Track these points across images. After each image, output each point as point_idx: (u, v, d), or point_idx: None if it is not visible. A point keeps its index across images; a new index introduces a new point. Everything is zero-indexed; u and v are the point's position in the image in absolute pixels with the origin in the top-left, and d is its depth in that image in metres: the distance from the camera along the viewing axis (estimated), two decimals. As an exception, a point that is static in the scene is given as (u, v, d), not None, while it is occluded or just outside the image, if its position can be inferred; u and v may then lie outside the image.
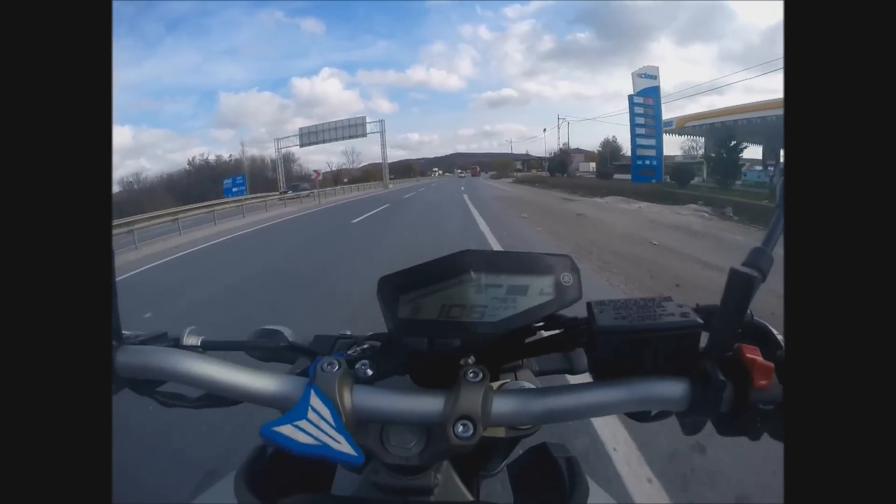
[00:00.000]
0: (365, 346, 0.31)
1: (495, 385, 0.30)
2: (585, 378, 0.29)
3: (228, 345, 0.34)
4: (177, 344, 0.33)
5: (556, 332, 0.30)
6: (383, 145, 43.45)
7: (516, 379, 0.32)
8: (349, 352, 0.31)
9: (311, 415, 0.26)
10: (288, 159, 57.53)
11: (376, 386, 0.29)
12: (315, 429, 0.26)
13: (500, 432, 0.29)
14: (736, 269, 0.27)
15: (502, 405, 0.27)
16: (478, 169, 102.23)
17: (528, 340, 0.30)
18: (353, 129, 39.51)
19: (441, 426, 0.27)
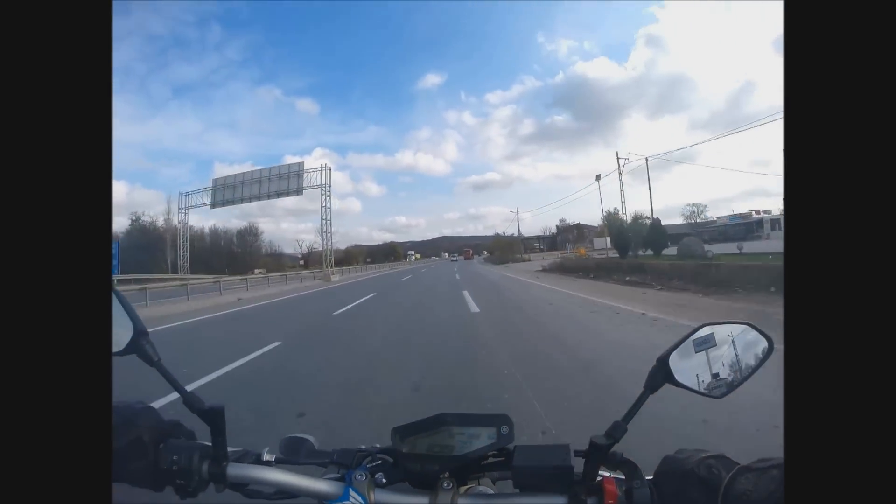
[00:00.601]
0: (378, 460, 0.48)
1: (462, 489, 0.46)
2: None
3: (292, 460, 0.50)
4: (258, 459, 0.49)
5: (502, 459, 0.47)
6: (324, 205, 30.19)
7: (479, 485, 0.48)
8: (368, 464, 0.47)
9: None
10: (249, 233, 47.23)
11: (388, 489, 0.46)
12: None
13: None
14: (593, 440, 0.44)
15: (463, 502, 0.44)
16: (470, 252, 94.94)
17: (483, 462, 0.47)
18: (284, 181, 28.64)
19: None
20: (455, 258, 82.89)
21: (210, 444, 0.47)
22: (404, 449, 0.45)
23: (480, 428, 0.45)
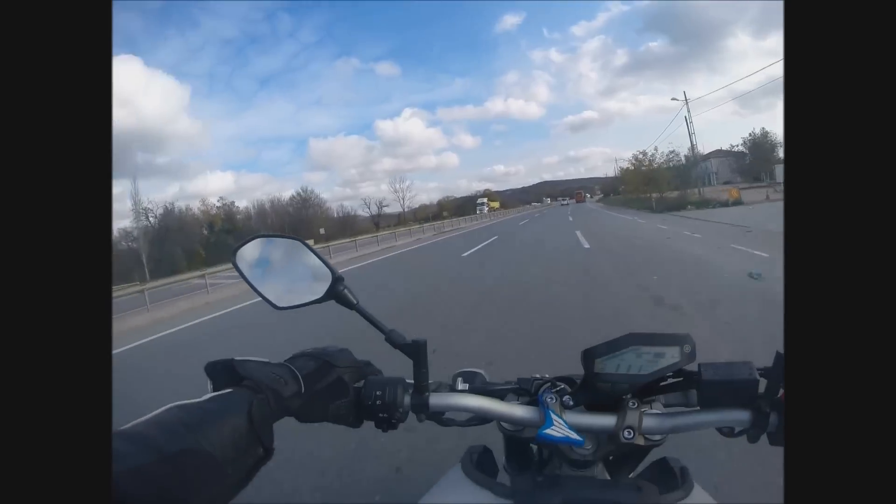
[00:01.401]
0: (559, 385, 0.49)
1: (643, 411, 0.47)
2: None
3: (483, 389, 0.52)
4: (452, 389, 0.51)
5: (681, 379, 0.47)
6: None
7: (651, 408, 0.48)
8: (555, 389, 0.49)
9: (555, 425, 0.46)
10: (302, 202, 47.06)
11: (575, 410, 0.48)
12: (559, 431, 0.46)
13: (641, 441, 0.46)
14: (779, 354, 0.41)
15: (648, 421, 0.46)
16: (582, 194, 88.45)
17: (662, 384, 0.47)
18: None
19: (613, 434, 0.46)
20: (566, 202, 78.60)
21: (405, 378, 0.50)
22: (595, 370, 0.45)
23: (665, 347, 0.44)
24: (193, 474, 0.34)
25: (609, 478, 0.52)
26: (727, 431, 0.46)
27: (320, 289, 0.50)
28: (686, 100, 28.81)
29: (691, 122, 28.54)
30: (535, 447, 0.54)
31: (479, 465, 0.52)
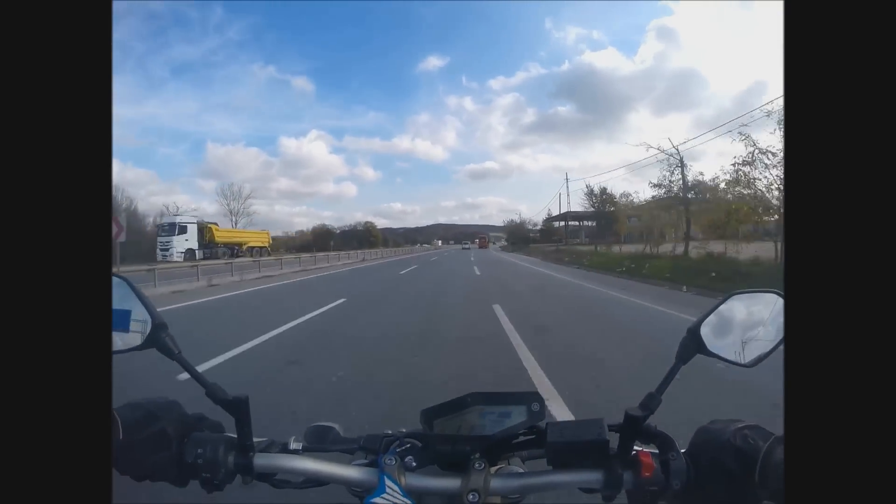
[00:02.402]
0: (407, 444, 0.47)
1: (493, 469, 0.45)
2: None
3: (319, 448, 0.49)
4: (285, 448, 0.49)
5: (532, 437, 0.46)
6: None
7: (509, 465, 0.47)
8: (396, 449, 0.46)
9: (387, 492, 0.43)
10: None
11: (418, 473, 0.45)
12: (391, 498, 0.43)
13: (497, 500, 0.44)
14: (628, 412, 0.43)
15: (496, 482, 0.43)
16: (486, 239, 79.82)
17: (514, 441, 0.46)
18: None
19: (459, 497, 0.43)
20: (468, 245, 72.57)
21: (235, 436, 0.46)
22: (434, 430, 0.44)
23: (510, 406, 0.44)
24: None
25: None
26: (587, 489, 0.44)
27: (139, 336, 0.46)
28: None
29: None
30: None
31: None
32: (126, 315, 0.46)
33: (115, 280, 0.46)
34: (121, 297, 0.46)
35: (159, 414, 0.45)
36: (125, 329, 0.46)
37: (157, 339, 0.46)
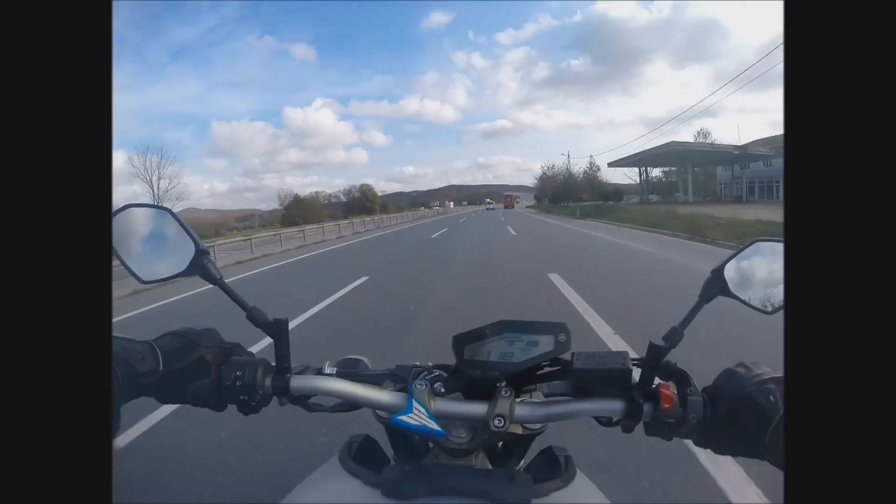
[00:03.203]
0: (435, 372, 0.48)
1: (518, 399, 0.45)
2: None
3: (352, 373, 0.50)
4: (319, 372, 0.50)
5: (556, 368, 0.47)
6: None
7: (531, 397, 0.48)
8: (426, 377, 0.48)
9: (414, 412, 0.45)
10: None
11: (446, 398, 0.46)
12: (417, 419, 0.45)
13: (519, 430, 0.45)
14: (652, 342, 0.43)
15: (520, 409, 0.45)
16: (512, 198, 69.48)
17: (539, 373, 0.47)
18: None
19: (484, 422, 0.44)
20: (492, 206, 62.70)
21: (271, 361, 0.47)
22: (465, 356, 0.44)
23: (539, 335, 0.44)
24: None
25: (490, 467, 0.50)
26: (605, 421, 0.46)
27: (185, 262, 0.47)
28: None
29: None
30: (417, 436, 0.52)
31: (363, 455, 0.50)
32: (170, 243, 0.48)
33: (157, 211, 0.49)
34: (165, 227, 0.48)
35: (198, 342, 0.47)
36: (170, 257, 0.48)
37: (200, 265, 0.47)
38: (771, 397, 0.38)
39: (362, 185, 70.46)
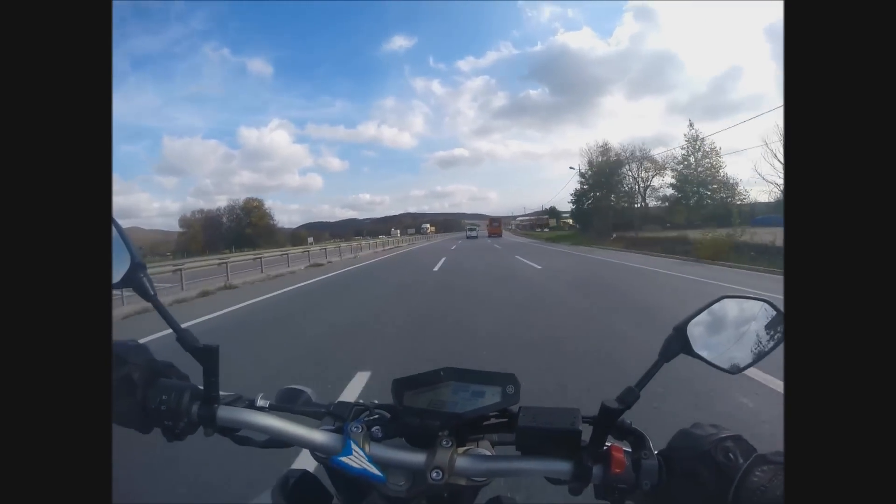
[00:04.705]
0: (376, 414, 0.46)
1: (461, 450, 0.43)
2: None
3: (287, 408, 0.49)
4: (251, 404, 0.47)
5: (504, 420, 0.45)
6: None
7: (477, 447, 0.45)
8: (365, 418, 0.45)
9: (354, 454, 0.43)
10: None
11: (384, 443, 0.44)
12: (357, 461, 0.42)
13: (462, 481, 0.43)
14: (605, 404, 0.42)
15: (462, 462, 0.42)
16: (500, 225, 58.70)
17: (485, 423, 0.45)
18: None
19: (423, 472, 0.42)
20: (473, 233, 53.65)
21: (202, 386, 0.45)
22: (404, 402, 0.42)
23: (485, 386, 0.42)
24: None
25: None
26: (554, 479, 0.43)
27: (118, 274, 0.44)
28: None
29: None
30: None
31: (299, 493, 0.47)
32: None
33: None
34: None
35: (126, 358, 0.44)
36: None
37: (135, 279, 0.45)
38: (731, 454, 0.37)
39: (247, 199, 54.96)
